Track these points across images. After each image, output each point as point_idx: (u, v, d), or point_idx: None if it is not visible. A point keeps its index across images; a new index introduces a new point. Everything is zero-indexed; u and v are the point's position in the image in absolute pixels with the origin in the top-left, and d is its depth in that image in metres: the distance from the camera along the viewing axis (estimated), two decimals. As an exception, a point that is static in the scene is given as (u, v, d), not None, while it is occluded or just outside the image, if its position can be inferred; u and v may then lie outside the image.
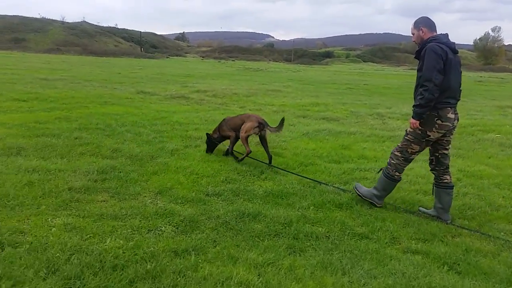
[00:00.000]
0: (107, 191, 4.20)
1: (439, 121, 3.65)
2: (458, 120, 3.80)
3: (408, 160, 3.97)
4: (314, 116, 10.13)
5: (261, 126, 5.31)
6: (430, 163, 4.04)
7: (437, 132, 3.69)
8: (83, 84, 14.70)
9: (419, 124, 3.70)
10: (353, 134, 7.93)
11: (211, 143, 5.78)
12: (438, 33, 3.78)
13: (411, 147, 3.85)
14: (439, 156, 3.92)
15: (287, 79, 24.94)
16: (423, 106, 3.56)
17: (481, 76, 39.42)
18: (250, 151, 5.36)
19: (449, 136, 3.84)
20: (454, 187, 4.06)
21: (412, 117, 3.70)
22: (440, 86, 3.52)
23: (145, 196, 4.14)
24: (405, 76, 36.20)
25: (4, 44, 55.85)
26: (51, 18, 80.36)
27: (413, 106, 3.68)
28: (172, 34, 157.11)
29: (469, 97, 16.43)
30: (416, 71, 3.85)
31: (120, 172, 4.75)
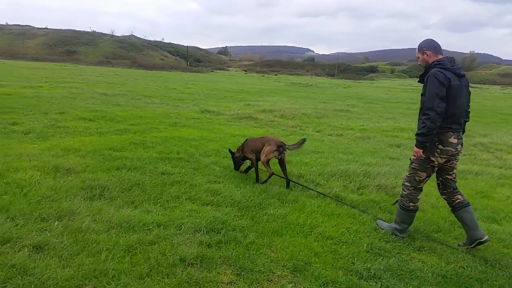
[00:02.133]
0: (228, 263, 3.14)
1: (440, 146, 3.59)
2: (462, 145, 3.72)
3: (418, 189, 3.83)
4: (409, 146, 8.79)
5: (280, 149, 5.33)
6: (438, 188, 3.97)
7: (439, 157, 3.61)
8: (144, 101, 14.10)
9: (423, 150, 3.62)
10: (477, 175, 6.55)
11: (235, 161, 5.84)
12: (443, 56, 3.68)
13: (417, 175, 3.75)
14: (443, 181, 3.86)
15: (345, 96, 23.63)
16: (425, 134, 3.52)
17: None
18: (273, 172, 5.38)
19: (452, 162, 3.72)
20: None
21: (415, 145, 3.65)
22: (443, 114, 3.45)
23: (280, 276, 3.04)
24: (472, 96, 33.84)
25: (58, 56, 58.06)
26: (101, 31, 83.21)
27: (416, 134, 3.63)
28: (215, 48, 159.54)
29: None
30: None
31: (234, 231, 3.69)
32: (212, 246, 3.38)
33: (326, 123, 11.67)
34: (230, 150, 5.91)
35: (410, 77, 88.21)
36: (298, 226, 3.92)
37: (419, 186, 3.82)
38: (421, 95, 3.66)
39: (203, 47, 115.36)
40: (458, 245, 3.81)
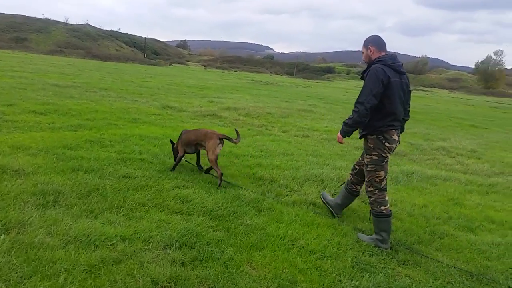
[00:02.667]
0: (206, 285, 2.80)
1: (387, 143, 3.66)
2: (399, 142, 3.81)
3: (382, 190, 3.80)
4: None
5: (222, 141, 5.07)
6: (353, 169, 4.17)
7: (388, 152, 3.70)
8: (100, 94, 13.27)
9: (373, 151, 3.69)
10: (445, 180, 6.59)
11: (175, 154, 5.56)
12: (386, 53, 3.69)
13: (376, 175, 3.76)
14: (360, 170, 4.05)
15: (306, 96, 23.71)
16: (350, 126, 3.65)
17: (496, 102, 38.58)
18: (222, 173, 4.97)
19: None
20: None
21: (340, 131, 3.78)
22: (371, 110, 3.50)
23: (266, 299, 2.75)
24: (425, 99, 35.24)
25: (6, 43, 54.25)
26: (54, 19, 78.75)
27: (343, 122, 3.74)
28: (174, 41, 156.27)
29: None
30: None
31: (209, 245, 3.34)
32: (187, 264, 3.02)
33: (291, 123, 11.49)
34: (171, 141, 5.70)
35: (362, 79, 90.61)
36: (278, 238, 3.64)
37: (382, 186, 3.79)
38: None
39: (161, 40, 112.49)
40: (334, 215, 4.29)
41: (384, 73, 3.48)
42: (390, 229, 3.78)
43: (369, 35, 3.81)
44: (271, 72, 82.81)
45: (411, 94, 3.96)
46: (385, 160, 3.72)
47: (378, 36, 3.78)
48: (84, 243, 3.10)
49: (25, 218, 3.39)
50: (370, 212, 3.94)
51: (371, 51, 3.71)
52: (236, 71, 65.75)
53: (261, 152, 7.24)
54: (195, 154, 5.54)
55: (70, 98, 11.38)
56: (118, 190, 4.35)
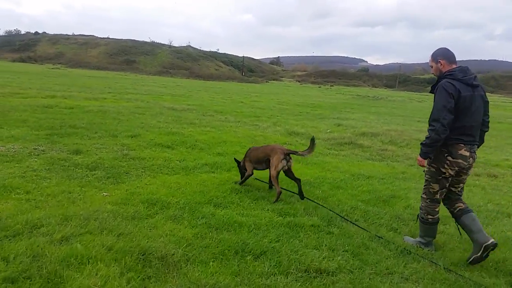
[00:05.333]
0: None
1: (449, 158, 3.50)
2: (474, 159, 3.59)
3: (434, 201, 3.70)
4: None
5: (287, 157, 4.87)
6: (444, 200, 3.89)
7: (450, 168, 3.51)
8: (217, 118, 12.20)
9: (433, 162, 3.59)
10: None
11: (241, 172, 5.47)
12: (457, 65, 3.57)
13: (431, 186, 3.67)
14: (446, 192, 3.73)
15: (426, 113, 20.58)
16: (429, 145, 3.49)
17: None
18: (281, 191, 4.81)
19: (462, 176, 3.63)
20: None
21: (419, 154, 3.61)
22: (449, 126, 3.38)
23: None
24: None
25: (118, 65, 58.96)
26: (159, 42, 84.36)
27: (420, 144, 3.60)
28: (267, 58, 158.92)
29: None
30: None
31: None
32: None
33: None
34: (235, 159, 5.63)
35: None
36: None
37: (435, 198, 3.69)
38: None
39: (256, 57, 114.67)
40: (467, 260, 3.49)
41: (453, 87, 3.40)
42: (435, 235, 3.77)
43: (436, 49, 3.73)
44: (368, 85, 78.88)
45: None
46: (443, 176, 3.57)
47: (446, 48, 3.70)
48: None
49: None
50: (418, 215, 3.89)
51: (441, 64, 3.63)
52: (332, 86, 63.55)
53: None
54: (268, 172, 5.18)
55: (191, 124, 10.37)
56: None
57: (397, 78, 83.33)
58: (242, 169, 5.46)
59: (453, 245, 3.88)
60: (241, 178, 5.43)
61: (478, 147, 3.67)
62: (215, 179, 5.52)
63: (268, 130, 10.78)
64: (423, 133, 4.73)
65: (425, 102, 34.11)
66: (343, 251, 3.50)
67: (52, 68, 44.98)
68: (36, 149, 6.32)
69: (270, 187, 5.27)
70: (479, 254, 3.41)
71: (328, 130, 11.35)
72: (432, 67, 3.73)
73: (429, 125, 3.48)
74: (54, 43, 75.81)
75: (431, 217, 3.71)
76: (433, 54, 3.70)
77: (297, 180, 4.97)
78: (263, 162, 5.15)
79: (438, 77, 3.63)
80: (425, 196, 3.75)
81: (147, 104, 14.40)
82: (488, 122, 3.74)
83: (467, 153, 3.49)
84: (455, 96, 3.38)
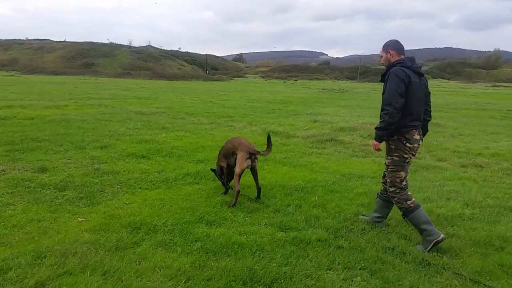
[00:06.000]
0: None
1: (408, 144, 3.66)
2: (422, 140, 3.81)
3: (403, 188, 3.78)
4: None
5: (253, 157, 4.59)
6: (383, 177, 4.05)
7: (410, 153, 3.70)
8: (189, 121, 11.65)
9: (394, 152, 3.70)
10: None
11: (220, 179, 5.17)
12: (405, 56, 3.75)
13: (398, 175, 3.76)
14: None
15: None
16: (383, 129, 3.61)
17: None
18: (239, 190, 4.52)
19: (412, 158, 3.78)
20: None
21: (374, 138, 3.75)
22: (401, 109, 3.52)
23: None
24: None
25: (77, 69, 56.56)
26: (119, 43, 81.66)
27: (375, 128, 3.72)
28: (230, 55, 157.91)
29: None
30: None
31: None
32: None
33: (435, 144, 8.99)
34: (212, 170, 5.33)
35: (433, 77, 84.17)
36: None
37: (403, 185, 3.78)
38: (382, 94, 3.69)
39: (219, 55, 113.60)
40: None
41: (404, 73, 3.56)
42: (428, 219, 3.70)
43: (388, 40, 3.86)
44: (331, 78, 79.84)
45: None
46: (406, 161, 3.73)
47: (397, 40, 3.83)
48: None
49: None
50: (402, 216, 3.88)
51: (390, 54, 3.77)
52: (296, 80, 63.79)
53: (447, 200, 4.90)
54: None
55: (163, 129, 9.78)
56: None
57: (358, 69, 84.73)
58: (219, 175, 5.11)
59: (469, 250, 3.62)
60: (223, 186, 5.04)
61: (423, 135, 3.89)
62: (201, 191, 5.06)
63: (244, 130, 10.37)
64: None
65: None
66: (360, 269, 3.16)
67: (6, 76, 42.39)
68: (-6, 169, 5.62)
69: (259, 196, 4.85)
70: (427, 248, 3.58)
71: (306, 127, 11.06)
72: (382, 57, 3.85)
73: (382, 109, 3.59)
74: (7, 49, 71.66)
75: (410, 201, 3.73)
76: (384, 45, 3.85)
77: (258, 187, 4.77)
78: (231, 155, 4.85)
79: (387, 67, 3.77)
80: (394, 189, 3.79)
81: (112, 110, 13.61)
82: (431, 111, 3.92)
83: (419, 136, 3.69)
84: (406, 81, 3.54)
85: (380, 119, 3.62)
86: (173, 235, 3.66)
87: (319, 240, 3.65)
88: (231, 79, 62.59)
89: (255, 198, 4.79)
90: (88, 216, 4.10)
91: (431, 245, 3.54)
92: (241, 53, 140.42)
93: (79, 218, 4.03)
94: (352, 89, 36.51)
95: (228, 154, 4.88)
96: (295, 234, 3.74)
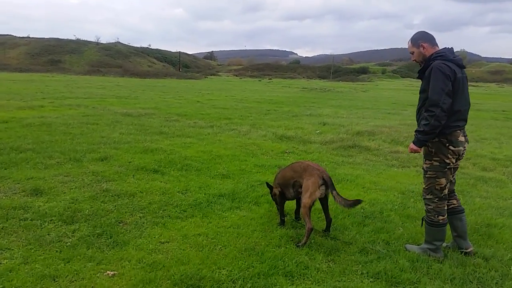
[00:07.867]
0: None
1: (451, 147, 3.22)
2: (468, 142, 3.41)
3: (442, 199, 3.34)
4: None
5: (327, 183, 3.53)
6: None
7: (453, 158, 3.25)
8: (186, 124, 10.48)
9: (435, 156, 3.24)
10: None
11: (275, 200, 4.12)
12: (440, 47, 3.31)
13: (437, 182, 3.29)
14: None
15: (391, 103, 20.35)
16: (427, 133, 3.17)
17: None
18: (312, 227, 3.50)
19: (458, 163, 3.37)
20: None
21: (413, 142, 3.29)
22: (448, 111, 3.10)
23: None
24: (486, 95, 31.05)
25: (42, 66, 53.55)
26: (86, 39, 78.16)
27: (415, 131, 3.28)
28: (200, 53, 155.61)
29: None
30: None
31: None
32: None
33: (470, 151, 8.26)
34: (267, 184, 4.25)
35: (402, 77, 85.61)
36: None
37: (443, 195, 3.33)
38: (420, 92, 3.32)
39: (189, 53, 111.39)
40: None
41: (449, 69, 3.11)
42: (444, 239, 3.41)
43: (415, 33, 3.42)
44: (303, 77, 79.60)
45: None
46: (448, 167, 3.25)
47: (425, 31, 3.38)
48: None
49: None
50: (423, 219, 3.52)
51: (424, 48, 3.30)
52: (271, 79, 63.09)
53: None
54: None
55: (162, 134, 8.61)
56: None
57: (331, 69, 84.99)
58: (275, 199, 4.11)
59: None
60: (279, 214, 4.03)
61: None
62: (249, 220, 4.00)
63: (251, 135, 9.30)
64: (414, 127, 3.65)
65: (369, 91, 34.52)
66: None
67: (-36, 72, 39.33)
68: (-29, 193, 4.34)
69: (297, 218, 4.09)
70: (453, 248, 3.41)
71: (317, 131, 10.14)
72: (413, 53, 3.39)
73: (427, 111, 3.16)
74: (-36, 44, 67.09)
75: (442, 217, 3.37)
76: (412, 39, 3.39)
77: (329, 218, 3.80)
78: (290, 186, 3.82)
79: (422, 62, 3.34)
80: (431, 196, 3.37)
81: (94, 111, 12.21)
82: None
83: (463, 138, 3.28)
84: (452, 78, 3.14)
85: (424, 121, 3.16)
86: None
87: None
88: (205, 77, 61.13)
89: (323, 231, 3.79)
90: (119, 266, 2.98)
91: (427, 255, 3.36)
92: (212, 51, 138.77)
93: (108, 272, 2.90)
94: (333, 88, 36.00)
95: (287, 185, 3.87)
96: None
